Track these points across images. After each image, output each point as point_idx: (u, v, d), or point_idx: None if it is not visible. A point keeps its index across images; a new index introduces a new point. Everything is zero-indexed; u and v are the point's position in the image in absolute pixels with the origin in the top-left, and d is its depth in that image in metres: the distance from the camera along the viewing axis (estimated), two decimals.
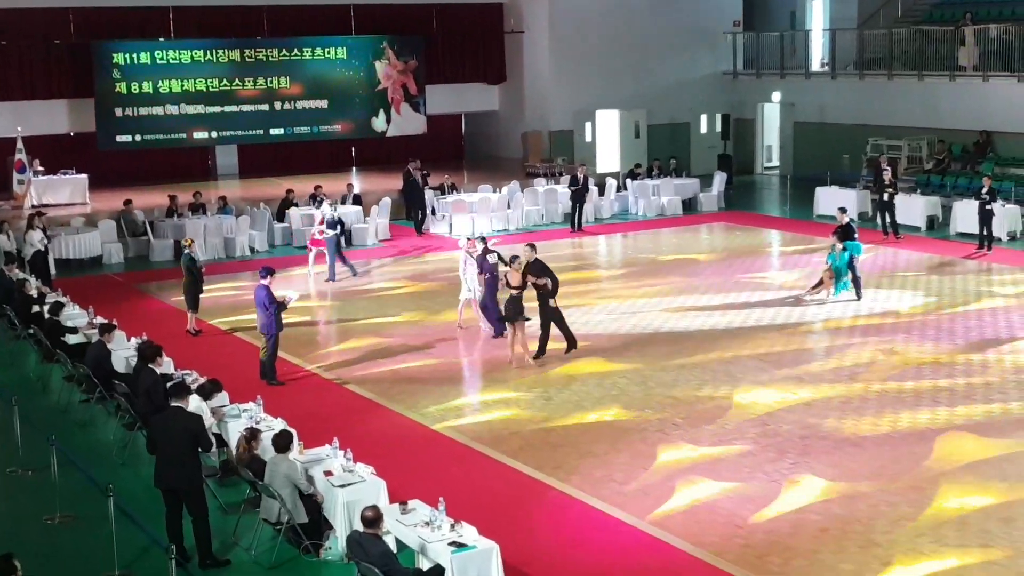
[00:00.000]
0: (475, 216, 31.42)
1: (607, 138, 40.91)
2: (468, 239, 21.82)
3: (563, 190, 33.06)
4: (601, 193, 34.49)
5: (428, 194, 32.60)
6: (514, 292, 18.91)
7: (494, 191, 33.13)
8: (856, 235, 23.28)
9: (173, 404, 12.53)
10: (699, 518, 12.98)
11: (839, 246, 22.79)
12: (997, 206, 27.52)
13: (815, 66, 41.49)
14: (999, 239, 28.06)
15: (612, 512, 13.22)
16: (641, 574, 11.88)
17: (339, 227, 26.37)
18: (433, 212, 32.41)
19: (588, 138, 40.54)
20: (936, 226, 30.79)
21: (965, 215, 29.09)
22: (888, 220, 29.47)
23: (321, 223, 26.16)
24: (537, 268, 19.10)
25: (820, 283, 22.90)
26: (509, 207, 32.56)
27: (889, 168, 30.01)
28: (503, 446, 15.35)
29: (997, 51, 34.57)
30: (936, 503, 13.14)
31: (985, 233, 27.34)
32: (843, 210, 24.14)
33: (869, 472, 14.10)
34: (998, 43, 34.53)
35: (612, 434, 15.69)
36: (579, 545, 12.48)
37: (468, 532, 11.12)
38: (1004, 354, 18.98)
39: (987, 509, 12.96)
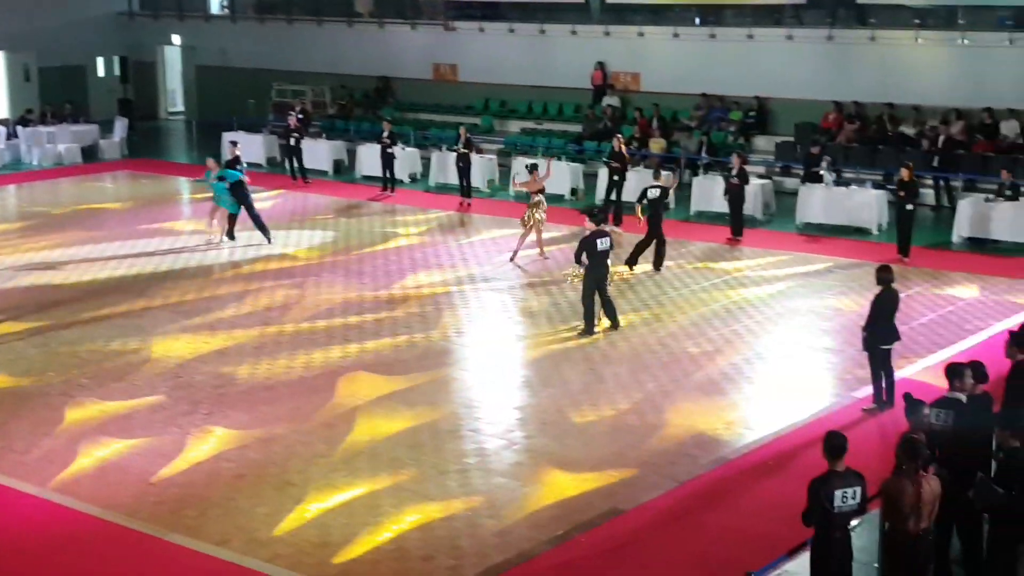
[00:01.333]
0: None
1: None
2: None
3: None
4: None
5: None
6: None
7: None
8: (241, 167, 23.21)
9: None
10: (109, 479, 12.35)
11: (215, 169, 22.68)
12: (398, 149, 28.69)
13: (215, 9, 40.99)
14: (401, 181, 29.30)
15: (11, 484, 12.22)
16: (47, 545, 11.06)
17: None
18: None
19: None
20: (343, 170, 31.61)
21: (369, 158, 30.10)
22: (296, 165, 29.85)
23: None
24: None
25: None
26: None
27: (299, 113, 30.36)
28: None
29: None
30: (349, 438, 13.43)
31: (388, 176, 28.44)
32: (234, 143, 24.29)
33: (284, 415, 14.14)
34: None
35: (12, 402, 14.53)
36: None
37: None
38: (408, 290, 19.83)
39: (395, 437, 13.45)
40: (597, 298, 17.21)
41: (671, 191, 22.04)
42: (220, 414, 14.15)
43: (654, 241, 20.61)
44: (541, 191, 21.34)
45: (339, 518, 11.45)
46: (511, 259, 21.41)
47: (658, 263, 20.64)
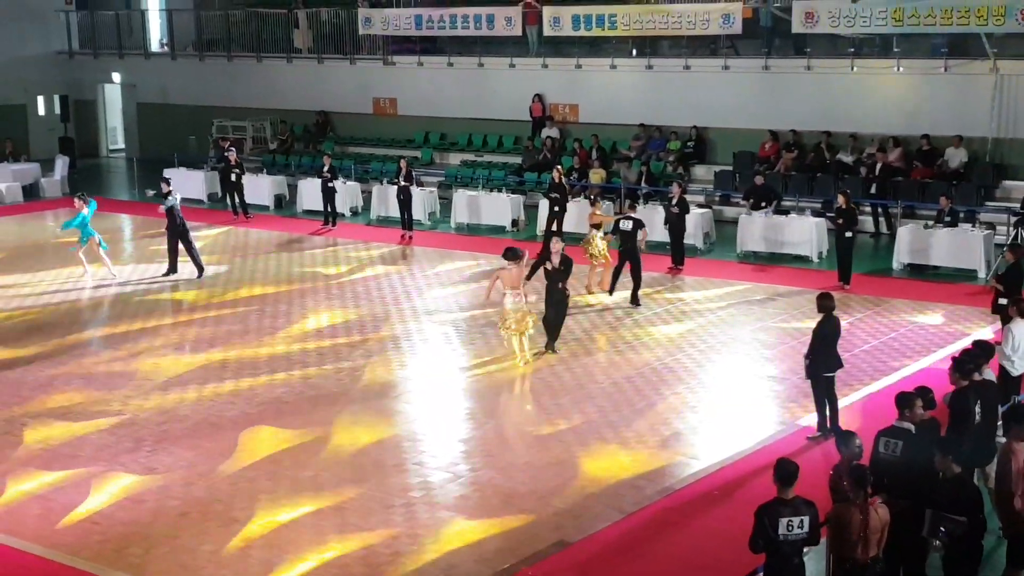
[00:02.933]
0: None
1: None
2: None
3: None
4: None
5: None
6: None
7: None
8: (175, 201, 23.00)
9: None
10: (52, 518, 12.15)
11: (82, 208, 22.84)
12: (338, 183, 28.60)
13: (155, 46, 40.80)
14: (343, 214, 29.22)
15: None
16: None
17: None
18: None
19: None
20: (284, 204, 31.47)
21: (310, 193, 30.00)
22: (237, 200, 29.69)
23: None
24: None
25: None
26: None
27: (233, 149, 30.26)
28: None
29: (329, 34, 36.01)
30: (293, 473, 13.30)
31: (329, 210, 28.35)
32: (166, 180, 23.86)
33: (228, 450, 13.99)
34: (330, 26, 35.98)
35: None
36: None
37: None
38: (351, 323, 19.72)
39: (339, 471, 13.32)
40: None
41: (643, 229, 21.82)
42: (164, 451, 13.98)
43: (630, 271, 20.64)
44: (598, 226, 21.38)
45: (284, 554, 11.31)
46: (610, 292, 21.08)
47: (634, 296, 20.63)
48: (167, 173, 32.08)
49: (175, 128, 37.96)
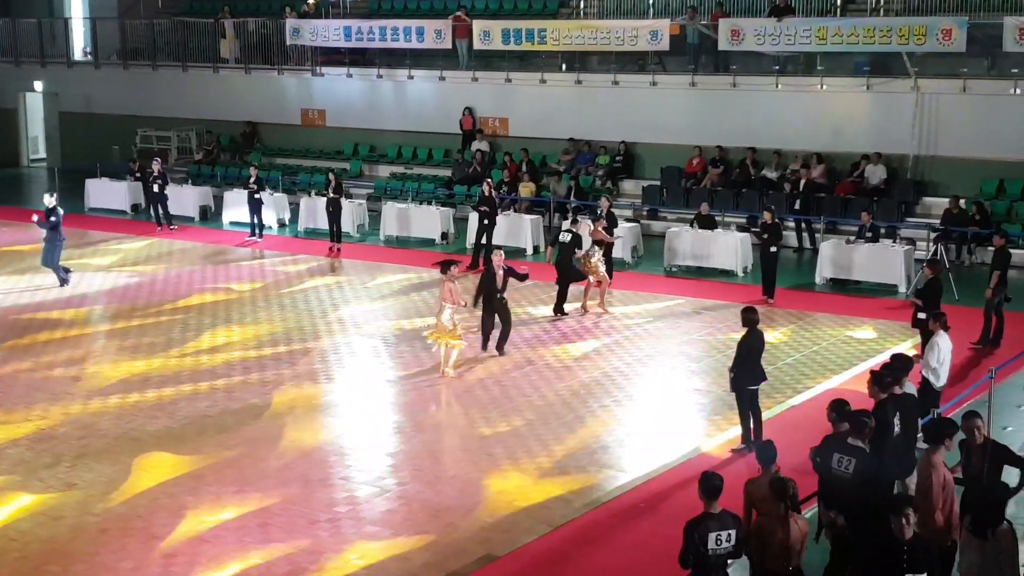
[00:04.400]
0: None
1: None
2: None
3: None
4: None
5: None
6: None
7: None
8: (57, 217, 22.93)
9: None
10: None
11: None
12: (265, 195, 28.37)
13: (78, 55, 40.22)
14: (270, 227, 28.98)
15: None
16: None
17: None
18: None
19: None
20: (209, 216, 31.14)
21: (236, 204, 29.72)
22: (161, 211, 29.34)
23: None
24: None
25: None
26: None
27: (158, 159, 29.94)
28: None
29: (257, 44, 35.75)
30: (216, 489, 13.13)
31: (256, 221, 28.10)
32: (50, 193, 23.60)
33: (149, 465, 13.79)
34: (257, 36, 35.72)
35: None
36: None
37: None
38: (277, 335, 19.55)
39: (264, 486, 13.20)
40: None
41: (584, 239, 21.67)
42: (83, 466, 13.73)
43: (556, 280, 20.76)
44: (600, 243, 21.19)
45: (206, 570, 11.16)
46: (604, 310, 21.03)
47: (558, 307, 20.72)
48: (89, 183, 32.01)
49: (98, 138, 37.41)
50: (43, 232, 22.91)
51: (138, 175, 29.59)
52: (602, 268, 21.04)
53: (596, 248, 21.14)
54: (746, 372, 14.12)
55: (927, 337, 14.30)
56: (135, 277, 23.60)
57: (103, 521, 12.27)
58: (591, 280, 20.98)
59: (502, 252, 18.57)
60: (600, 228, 21.44)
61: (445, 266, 17.24)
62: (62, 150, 39.60)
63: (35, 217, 23.10)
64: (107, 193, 32.36)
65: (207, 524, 12.19)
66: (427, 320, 19.50)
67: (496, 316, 18.16)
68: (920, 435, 11.86)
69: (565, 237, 20.72)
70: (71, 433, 14.82)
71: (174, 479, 13.39)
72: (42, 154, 41.32)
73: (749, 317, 14.14)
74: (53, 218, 22.68)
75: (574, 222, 21.53)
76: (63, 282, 22.87)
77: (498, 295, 17.94)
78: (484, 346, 18.33)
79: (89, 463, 13.83)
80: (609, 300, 21.36)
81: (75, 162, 36.58)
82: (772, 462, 9.76)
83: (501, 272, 17.90)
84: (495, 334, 18.33)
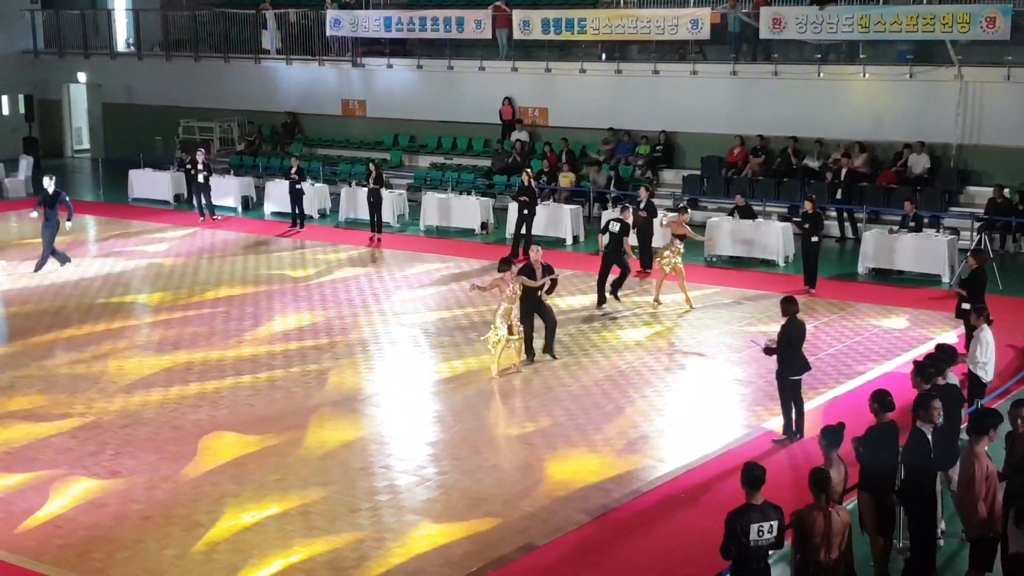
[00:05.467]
0: None
1: None
2: None
3: None
4: None
5: None
6: None
7: None
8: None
9: None
10: (13, 521, 12.02)
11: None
12: (306, 185, 28.50)
13: (120, 46, 40.52)
14: (311, 216, 29.11)
15: None
16: None
17: None
18: None
19: None
20: (251, 206, 31.32)
21: (277, 195, 29.88)
22: (204, 201, 29.52)
23: None
24: None
25: None
26: None
27: (202, 150, 30.12)
28: None
29: (298, 35, 35.88)
30: (258, 477, 13.21)
31: (297, 211, 28.24)
32: (50, 177, 24.25)
33: (191, 453, 13.90)
34: (298, 27, 35.85)
35: None
36: None
37: None
38: (319, 325, 19.65)
39: (306, 474, 13.27)
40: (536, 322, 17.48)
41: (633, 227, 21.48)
42: (127, 454, 13.86)
43: (620, 270, 20.73)
44: (682, 236, 20.57)
45: (249, 558, 11.24)
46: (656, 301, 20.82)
47: (615, 288, 20.77)
48: (133, 174, 32.32)
49: (141, 129, 37.73)
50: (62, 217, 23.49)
51: (188, 166, 29.75)
52: (678, 259, 20.57)
53: (677, 241, 20.52)
54: (787, 362, 14.05)
55: (971, 328, 14.16)
56: (178, 267, 23.76)
57: (146, 508, 12.38)
58: (665, 270, 20.59)
59: (539, 247, 18.19)
60: (683, 222, 20.71)
61: (506, 264, 16.89)
62: (105, 141, 39.94)
63: (33, 213, 23.84)
64: (150, 183, 32.62)
65: (249, 511, 12.27)
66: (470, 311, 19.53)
67: (536, 317, 17.47)
68: (964, 426, 11.77)
69: (615, 227, 20.63)
70: (115, 422, 14.96)
71: (217, 467, 13.49)
72: (86, 145, 41.72)
73: (788, 307, 14.07)
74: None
75: (623, 209, 21.42)
76: (40, 267, 23.37)
77: (538, 293, 17.30)
78: (529, 355, 17.42)
79: (132, 451, 13.95)
80: (644, 287, 21.30)
81: (119, 153, 36.91)
82: (835, 447, 9.73)
83: (539, 268, 17.41)
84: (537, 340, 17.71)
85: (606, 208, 27.15)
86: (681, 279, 20.55)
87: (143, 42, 39.62)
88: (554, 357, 17.58)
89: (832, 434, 9.82)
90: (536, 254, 17.65)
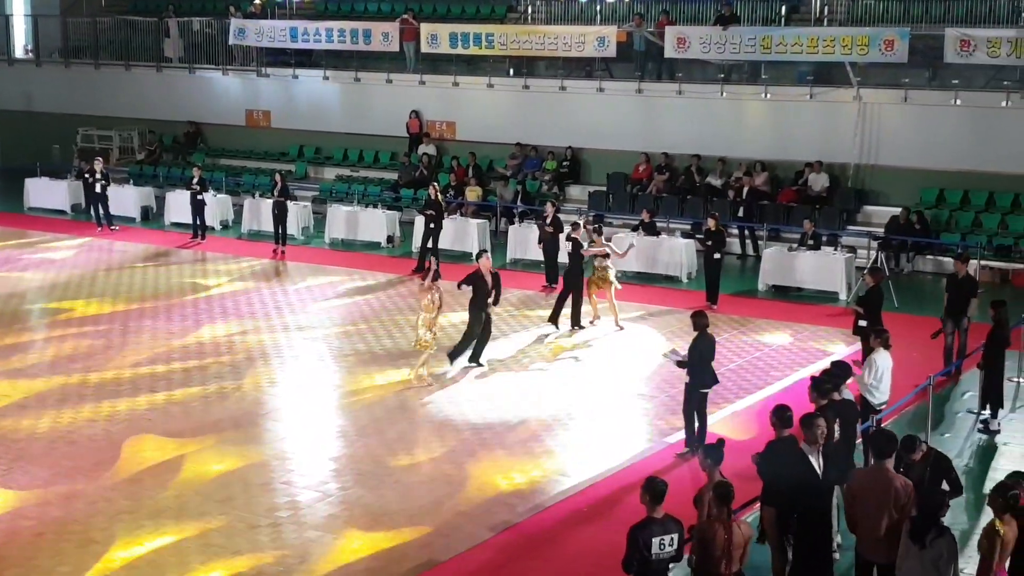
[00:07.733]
0: None
1: None
2: None
3: None
4: None
5: None
6: None
7: None
8: None
9: None
10: None
11: None
12: (208, 196, 28.11)
13: (19, 52, 39.65)
14: (212, 228, 28.72)
15: None
16: None
17: None
18: None
19: None
20: (151, 216, 30.82)
21: (178, 205, 29.43)
22: (102, 211, 28.98)
23: None
24: None
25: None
26: None
27: (99, 159, 29.59)
28: None
29: (201, 44, 35.43)
30: (155, 493, 12.99)
31: (198, 222, 27.84)
32: None
33: (86, 469, 13.60)
34: (202, 36, 35.40)
35: None
36: None
37: None
38: (219, 339, 19.38)
39: (204, 490, 13.08)
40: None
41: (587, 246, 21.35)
42: (20, 470, 13.52)
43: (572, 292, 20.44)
44: (605, 255, 20.30)
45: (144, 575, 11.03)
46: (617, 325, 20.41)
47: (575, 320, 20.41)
48: (29, 182, 31.62)
49: (38, 137, 36.90)
50: None
51: (87, 175, 29.16)
52: (612, 279, 20.35)
53: (604, 261, 20.28)
54: (698, 375, 14.20)
55: (869, 349, 14.33)
56: (74, 279, 23.25)
57: (39, 524, 12.09)
58: (595, 289, 20.49)
59: (488, 253, 18.38)
60: (601, 240, 20.57)
61: (435, 275, 16.98)
62: (1, 149, 38.98)
63: None
64: (47, 192, 31.95)
65: (146, 530, 12.02)
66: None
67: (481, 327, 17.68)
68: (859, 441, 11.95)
69: (567, 247, 20.67)
70: (6, 436, 14.59)
71: (112, 484, 13.21)
72: None
73: (699, 321, 14.26)
74: None
75: (575, 227, 21.33)
76: None
77: (488, 301, 17.58)
78: (477, 358, 17.79)
79: (24, 466, 13.61)
80: (549, 301, 21.35)
81: (15, 161, 36.03)
82: (718, 465, 9.77)
83: (489, 277, 17.61)
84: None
85: (512, 223, 27.17)
86: (610, 297, 20.37)
87: (42, 48, 38.79)
88: (480, 364, 17.79)
89: (713, 452, 9.89)
90: (487, 262, 17.85)
